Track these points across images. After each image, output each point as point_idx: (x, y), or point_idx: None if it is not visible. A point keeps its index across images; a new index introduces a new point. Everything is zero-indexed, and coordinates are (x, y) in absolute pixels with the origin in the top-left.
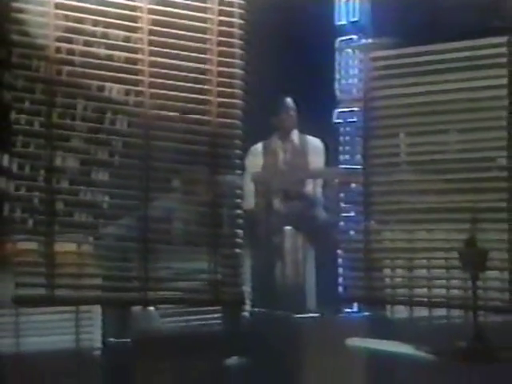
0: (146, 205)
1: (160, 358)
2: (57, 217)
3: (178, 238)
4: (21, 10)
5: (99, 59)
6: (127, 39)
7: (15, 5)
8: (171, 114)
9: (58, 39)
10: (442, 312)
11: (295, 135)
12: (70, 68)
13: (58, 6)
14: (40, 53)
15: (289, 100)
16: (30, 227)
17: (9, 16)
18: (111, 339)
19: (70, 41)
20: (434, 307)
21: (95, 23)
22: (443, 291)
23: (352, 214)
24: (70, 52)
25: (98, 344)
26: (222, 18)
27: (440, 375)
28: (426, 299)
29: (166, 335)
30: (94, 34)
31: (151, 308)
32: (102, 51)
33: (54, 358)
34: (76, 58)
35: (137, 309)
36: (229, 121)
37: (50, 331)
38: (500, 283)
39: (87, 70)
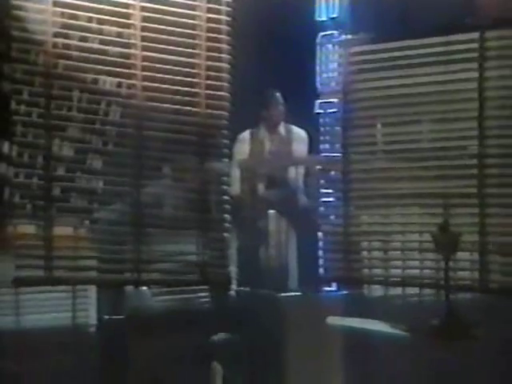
0: (138, 191)
1: (151, 333)
2: (54, 202)
3: (169, 223)
4: (20, 8)
5: (94, 54)
6: (121, 35)
7: (15, 2)
8: (162, 105)
9: (56, 35)
10: (415, 291)
11: (282, 127)
12: (66, 62)
13: (55, 4)
14: (38, 48)
15: (278, 95)
16: (29, 212)
17: (9, 13)
18: (106, 316)
19: (66, 36)
20: (408, 286)
21: (91, 20)
22: (417, 271)
23: (331, 199)
24: (67, 47)
25: (94, 321)
26: (210, 15)
27: (414, 351)
28: (400, 279)
29: (157, 313)
30: (89, 30)
31: (143, 287)
32: (97, 46)
33: (51, 334)
34: (72, 53)
35: (130, 288)
36: (216, 112)
37: (48, 309)
38: (470, 264)
39: (83, 64)
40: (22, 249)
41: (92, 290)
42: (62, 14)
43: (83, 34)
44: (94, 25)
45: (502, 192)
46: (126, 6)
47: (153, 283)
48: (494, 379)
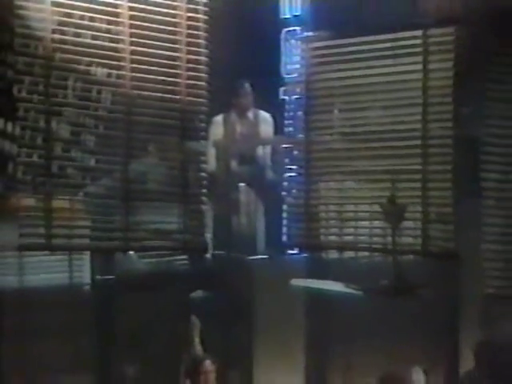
0: (127, 168)
1: (138, 291)
2: (53, 178)
3: (153, 196)
4: (22, 7)
5: (88, 48)
6: (111, 31)
7: (18, 2)
8: (148, 93)
9: (54, 31)
10: (367, 255)
11: (251, 112)
12: (63, 55)
13: (53, 4)
14: (38, 42)
15: (247, 85)
16: (31, 186)
17: (12, 11)
18: (98, 277)
19: (63, 32)
20: (360, 251)
21: (85, 18)
22: (368, 238)
23: (295, 174)
24: (63, 42)
25: (87, 281)
26: (189, 14)
27: (366, 309)
28: (353, 244)
29: (143, 274)
30: (83, 27)
31: (131, 252)
32: (91, 41)
33: (50, 293)
34: (68, 47)
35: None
36: (195, 99)
37: (47, 270)
38: (414, 231)
39: (78, 57)
40: (24, 219)
41: (86, 254)
42: (60, 13)
43: (78, 30)
44: (87, 22)
45: (442, 168)
46: (116, 5)
47: (140, 249)
48: (434, 330)
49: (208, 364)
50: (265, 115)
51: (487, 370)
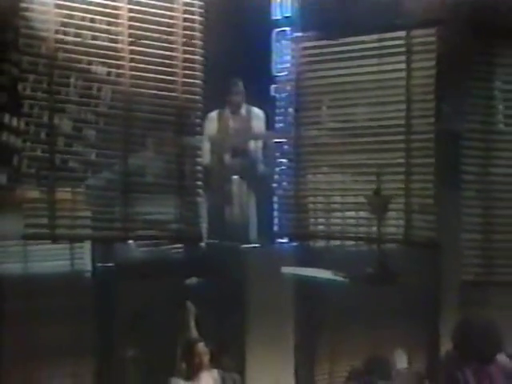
0: (126, 162)
1: (136, 278)
2: (56, 171)
3: (151, 189)
4: (27, 9)
5: (89, 47)
6: (111, 32)
7: (23, 5)
8: (146, 90)
9: (57, 31)
10: (353, 244)
11: (243, 108)
12: (65, 54)
13: (57, 6)
14: (42, 42)
15: (240, 83)
16: (36, 179)
17: (18, 13)
18: (99, 265)
19: (66, 33)
20: (346, 240)
21: (87, 20)
22: (354, 228)
23: (285, 168)
24: (66, 42)
25: (88, 268)
26: (185, 15)
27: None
28: (340, 234)
29: (141, 262)
30: (85, 28)
31: (130, 241)
32: (92, 41)
33: (53, 280)
34: (71, 47)
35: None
36: (191, 96)
37: (50, 258)
38: (397, 221)
39: (79, 56)
40: (29, 210)
41: (87, 243)
42: (62, 15)
43: (80, 31)
44: (89, 24)
45: (425, 162)
46: (116, 7)
47: (138, 239)
48: (416, 315)
49: (202, 347)
50: (257, 111)
51: (464, 350)
